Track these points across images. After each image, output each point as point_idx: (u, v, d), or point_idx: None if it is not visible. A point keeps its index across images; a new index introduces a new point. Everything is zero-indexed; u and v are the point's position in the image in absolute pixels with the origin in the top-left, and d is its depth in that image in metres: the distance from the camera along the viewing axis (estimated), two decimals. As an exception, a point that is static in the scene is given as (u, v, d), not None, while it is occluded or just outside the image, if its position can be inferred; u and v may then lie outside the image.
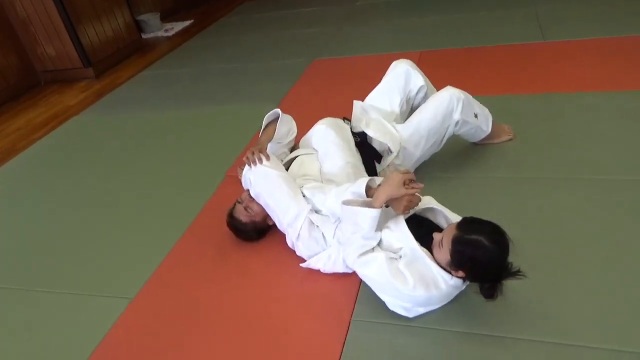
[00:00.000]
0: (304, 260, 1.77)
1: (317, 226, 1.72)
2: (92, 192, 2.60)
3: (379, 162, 2.04)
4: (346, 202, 1.54)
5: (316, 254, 1.73)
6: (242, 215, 1.91)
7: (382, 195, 1.49)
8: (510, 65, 3.10)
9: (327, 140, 1.99)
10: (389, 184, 1.49)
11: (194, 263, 1.94)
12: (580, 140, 2.22)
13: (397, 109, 2.14)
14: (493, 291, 1.36)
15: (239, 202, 1.93)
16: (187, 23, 5.82)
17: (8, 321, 1.84)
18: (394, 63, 2.21)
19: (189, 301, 1.76)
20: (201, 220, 2.16)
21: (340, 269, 1.69)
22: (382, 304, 1.54)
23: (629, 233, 1.69)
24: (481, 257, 1.31)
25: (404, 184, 1.48)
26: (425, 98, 2.20)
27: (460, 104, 1.99)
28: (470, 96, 2.08)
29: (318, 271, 1.73)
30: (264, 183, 1.81)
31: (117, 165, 2.83)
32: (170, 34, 5.53)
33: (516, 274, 1.33)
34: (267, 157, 1.86)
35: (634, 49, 2.99)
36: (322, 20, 4.88)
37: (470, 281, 1.42)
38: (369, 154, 2.06)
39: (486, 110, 2.15)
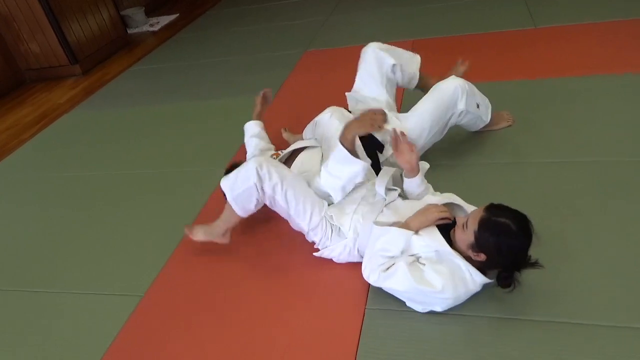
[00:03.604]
0: (316, 249, 1.76)
1: (334, 224, 1.71)
2: (90, 190, 2.57)
3: (381, 152, 2.05)
4: (378, 223, 1.57)
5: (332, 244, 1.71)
6: None
7: (415, 226, 1.51)
8: (503, 51, 3.13)
9: (331, 130, 1.98)
10: (426, 218, 1.51)
11: (203, 256, 1.93)
12: (577, 123, 2.26)
13: (389, 98, 2.16)
14: (510, 280, 1.38)
15: None
16: (172, 17, 5.74)
17: (19, 324, 1.81)
18: (362, 51, 2.23)
19: (200, 294, 1.76)
20: (206, 214, 2.15)
21: (354, 258, 1.69)
22: (396, 291, 1.56)
23: (633, 213, 1.72)
24: (505, 240, 1.33)
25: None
26: (403, 73, 2.21)
27: (465, 95, 2.01)
28: (474, 86, 2.09)
29: (329, 260, 1.74)
30: (277, 192, 1.68)
31: (113, 162, 2.79)
32: (155, 28, 5.45)
33: (535, 264, 1.36)
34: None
35: (624, 32, 3.04)
36: (311, 10, 4.85)
37: (489, 267, 1.44)
38: (370, 145, 2.06)
39: (487, 100, 2.18)
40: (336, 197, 1.75)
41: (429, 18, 3.98)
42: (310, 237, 1.75)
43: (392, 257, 1.49)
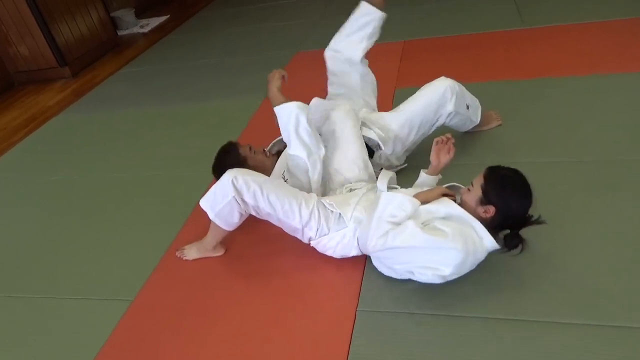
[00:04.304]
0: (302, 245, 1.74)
1: (332, 211, 1.67)
2: (80, 194, 2.55)
3: (372, 157, 2.04)
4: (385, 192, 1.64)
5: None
6: (243, 151, 1.96)
7: (421, 198, 1.56)
8: (492, 52, 3.14)
9: (345, 130, 1.93)
10: (431, 196, 1.57)
11: (193, 260, 1.92)
12: (567, 123, 2.27)
13: (367, 98, 2.18)
14: (518, 240, 1.44)
15: (250, 148, 1.99)
16: (163, 18, 5.72)
17: (9, 329, 1.79)
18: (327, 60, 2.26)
19: (190, 298, 1.75)
20: (196, 218, 2.13)
21: (352, 250, 1.67)
22: (387, 293, 1.56)
23: (625, 212, 1.73)
24: (511, 188, 1.43)
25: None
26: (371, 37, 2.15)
27: (454, 96, 2.02)
28: (463, 87, 2.10)
29: (320, 262, 1.74)
30: (259, 199, 1.63)
31: (103, 165, 2.78)
32: (146, 30, 5.43)
33: (538, 220, 1.44)
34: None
35: (612, 33, 3.06)
36: (303, 11, 4.85)
37: (497, 225, 1.46)
38: None
39: (477, 102, 2.18)
40: (300, 152, 1.78)
41: (419, 19, 4.00)
42: (306, 235, 1.70)
43: (399, 224, 1.49)
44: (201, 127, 3.00)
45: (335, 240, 1.66)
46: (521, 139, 2.23)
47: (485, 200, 1.45)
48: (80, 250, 2.12)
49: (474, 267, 1.47)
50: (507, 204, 1.44)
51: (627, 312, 1.39)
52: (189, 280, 1.83)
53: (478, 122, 2.21)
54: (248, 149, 1.98)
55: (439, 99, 2.02)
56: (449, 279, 1.45)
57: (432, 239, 1.40)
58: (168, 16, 5.78)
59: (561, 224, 1.71)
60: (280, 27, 4.58)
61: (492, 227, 1.46)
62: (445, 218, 1.49)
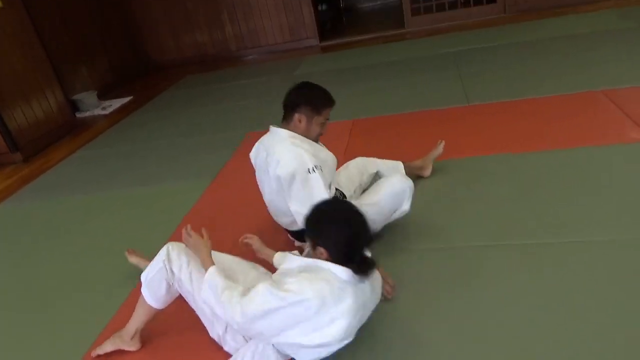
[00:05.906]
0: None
1: None
2: (3, 290, 2.39)
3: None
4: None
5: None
6: (325, 113, 2.02)
7: (202, 258, 1.61)
8: (437, 129, 3.20)
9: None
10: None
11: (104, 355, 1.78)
12: (510, 202, 2.26)
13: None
14: (366, 265, 1.41)
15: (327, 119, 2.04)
16: (126, 100, 5.78)
17: None
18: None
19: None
20: (127, 311, 2.00)
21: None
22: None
23: (553, 296, 1.68)
24: (326, 224, 1.44)
25: None
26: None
27: (411, 197, 2.05)
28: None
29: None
30: (183, 271, 1.64)
31: (35, 258, 2.65)
32: (107, 111, 5.44)
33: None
34: None
35: (553, 109, 3.16)
36: (260, 92, 4.97)
37: (340, 259, 1.41)
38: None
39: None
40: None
41: (369, 98, 4.10)
42: (215, 329, 1.63)
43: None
44: (146, 212, 2.92)
45: (250, 350, 1.55)
46: (457, 220, 2.19)
47: (314, 245, 1.45)
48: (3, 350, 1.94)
49: (340, 304, 1.38)
50: (330, 240, 1.42)
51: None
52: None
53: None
54: (325, 118, 1.97)
55: (394, 201, 2.03)
56: (328, 351, 1.43)
57: (283, 296, 1.37)
58: (131, 97, 5.84)
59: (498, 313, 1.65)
60: (238, 107, 4.65)
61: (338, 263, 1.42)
62: (287, 274, 1.49)
